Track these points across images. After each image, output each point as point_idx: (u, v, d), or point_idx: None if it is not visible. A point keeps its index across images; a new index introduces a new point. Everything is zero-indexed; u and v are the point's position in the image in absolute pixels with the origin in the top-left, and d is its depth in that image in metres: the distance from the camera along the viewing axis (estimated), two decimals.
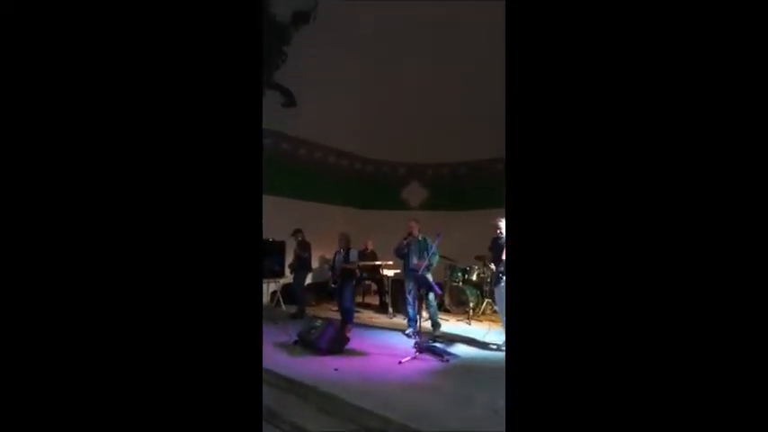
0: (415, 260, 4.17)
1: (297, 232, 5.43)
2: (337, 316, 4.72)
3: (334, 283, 4.51)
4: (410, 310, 4.27)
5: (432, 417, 2.18)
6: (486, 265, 5.62)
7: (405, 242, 4.25)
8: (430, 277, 4.17)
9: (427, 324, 4.31)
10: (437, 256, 4.21)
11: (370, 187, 8.08)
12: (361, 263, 5.37)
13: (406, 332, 4.23)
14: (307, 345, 3.39)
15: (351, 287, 4.59)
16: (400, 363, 3.13)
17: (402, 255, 4.31)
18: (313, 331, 3.42)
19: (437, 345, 3.73)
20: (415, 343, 3.57)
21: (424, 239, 4.28)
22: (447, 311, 5.55)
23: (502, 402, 2.23)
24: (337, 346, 3.36)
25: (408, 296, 4.27)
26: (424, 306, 4.14)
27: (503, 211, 3.65)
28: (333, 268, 4.70)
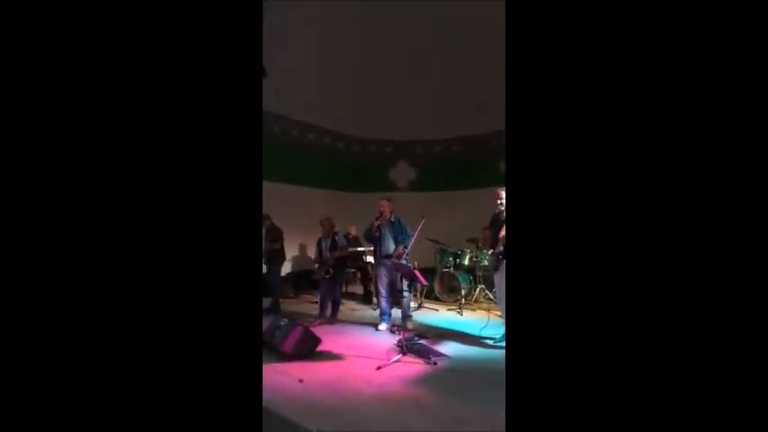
0: (390, 245, 3.72)
1: (264, 219, 4.80)
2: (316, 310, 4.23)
3: (327, 274, 3.99)
4: (383, 302, 3.82)
5: None
6: (479, 249, 5.17)
7: (376, 224, 3.75)
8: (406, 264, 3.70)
9: (413, 317, 3.86)
10: (411, 239, 3.71)
11: (355, 168, 7.49)
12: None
13: (378, 327, 3.77)
14: (271, 349, 2.89)
15: (341, 277, 4.15)
16: (379, 368, 2.66)
17: (372, 239, 3.83)
18: (277, 333, 2.92)
19: (423, 342, 3.27)
20: (398, 341, 3.11)
21: (398, 221, 3.80)
22: (437, 300, 5.12)
23: (502, 416, 2.00)
24: (306, 349, 2.87)
25: (381, 287, 3.81)
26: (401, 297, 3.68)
27: (501, 187, 3.20)
28: (321, 258, 4.17)
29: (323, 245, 4.17)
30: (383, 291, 3.77)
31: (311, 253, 5.50)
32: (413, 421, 1.93)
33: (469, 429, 1.84)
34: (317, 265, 4.32)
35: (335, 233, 4.16)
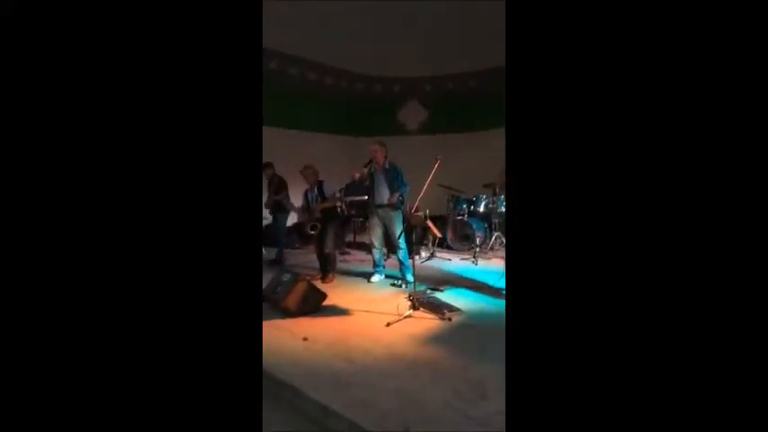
0: (384, 193, 3.41)
1: (266, 167, 4.45)
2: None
3: (313, 230, 3.67)
4: (376, 253, 3.61)
5: (425, 420, 1.52)
6: (495, 194, 4.81)
7: (365, 171, 3.42)
8: (400, 218, 3.38)
9: (425, 269, 3.63)
10: (408, 188, 3.42)
11: (361, 109, 6.94)
12: (349, 198, 4.54)
13: (371, 279, 3.59)
14: (273, 304, 2.71)
15: (333, 230, 3.80)
16: (388, 325, 2.46)
17: (364, 187, 3.54)
18: (279, 288, 2.72)
19: (436, 296, 3.05)
20: (409, 295, 2.89)
21: (393, 167, 3.46)
22: (450, 249, 4.88)
23: None
24: (310, 305, 2.68)
25: (373, 238, 3.57)
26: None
27: None
28: (308, 211, 3.85)
29: (309, 197, 3.81)
30: (375, 242, 3.57)
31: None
32: (427, 389, 1.73)
33: (491, 400, 1.63)
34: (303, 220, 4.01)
35: (322, 182, 3.78)
